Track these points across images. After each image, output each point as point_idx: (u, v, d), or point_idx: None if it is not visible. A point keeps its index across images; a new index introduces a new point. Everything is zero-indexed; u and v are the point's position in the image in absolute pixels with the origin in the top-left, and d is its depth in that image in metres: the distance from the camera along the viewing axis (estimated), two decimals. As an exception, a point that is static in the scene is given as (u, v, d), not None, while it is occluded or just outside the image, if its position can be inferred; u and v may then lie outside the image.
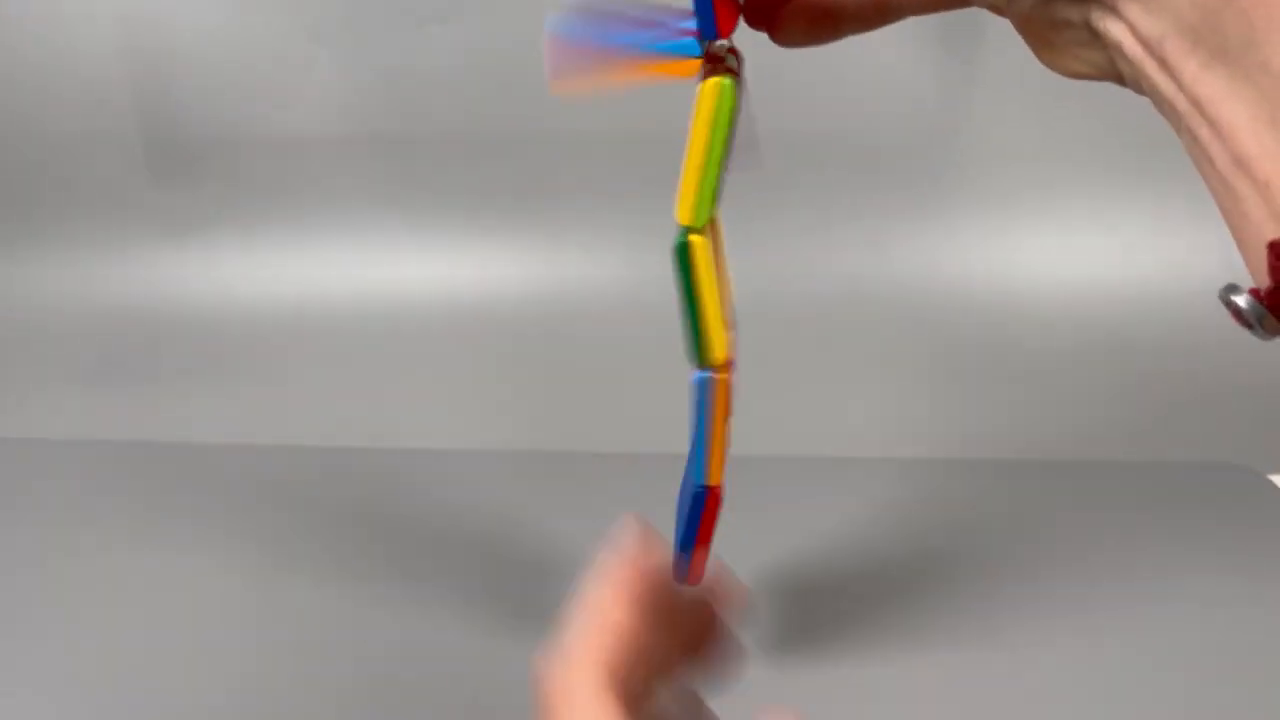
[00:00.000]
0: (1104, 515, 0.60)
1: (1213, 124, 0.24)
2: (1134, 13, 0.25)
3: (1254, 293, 0.24)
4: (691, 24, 0.32)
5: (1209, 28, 0.23)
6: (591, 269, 0.90)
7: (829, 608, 0.53)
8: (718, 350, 0.37)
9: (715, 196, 0.34)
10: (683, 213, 0.34)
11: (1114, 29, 0.26)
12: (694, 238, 0.35)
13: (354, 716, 0.46)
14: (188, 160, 0.92)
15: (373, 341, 0.86)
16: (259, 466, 0.66)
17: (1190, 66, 0.24)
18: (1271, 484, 0.63)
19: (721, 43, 0.33)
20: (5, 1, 0.88)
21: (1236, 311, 0.24)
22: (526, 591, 0.54)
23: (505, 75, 0.89)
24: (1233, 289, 0.24)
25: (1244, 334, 0.25)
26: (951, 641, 0.50)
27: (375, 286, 0.90)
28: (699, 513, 0.43)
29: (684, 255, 0.35)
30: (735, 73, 0.33)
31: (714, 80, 0.32)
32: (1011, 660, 0.49)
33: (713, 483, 0.42)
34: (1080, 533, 0.59)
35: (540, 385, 0.81)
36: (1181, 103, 0.25)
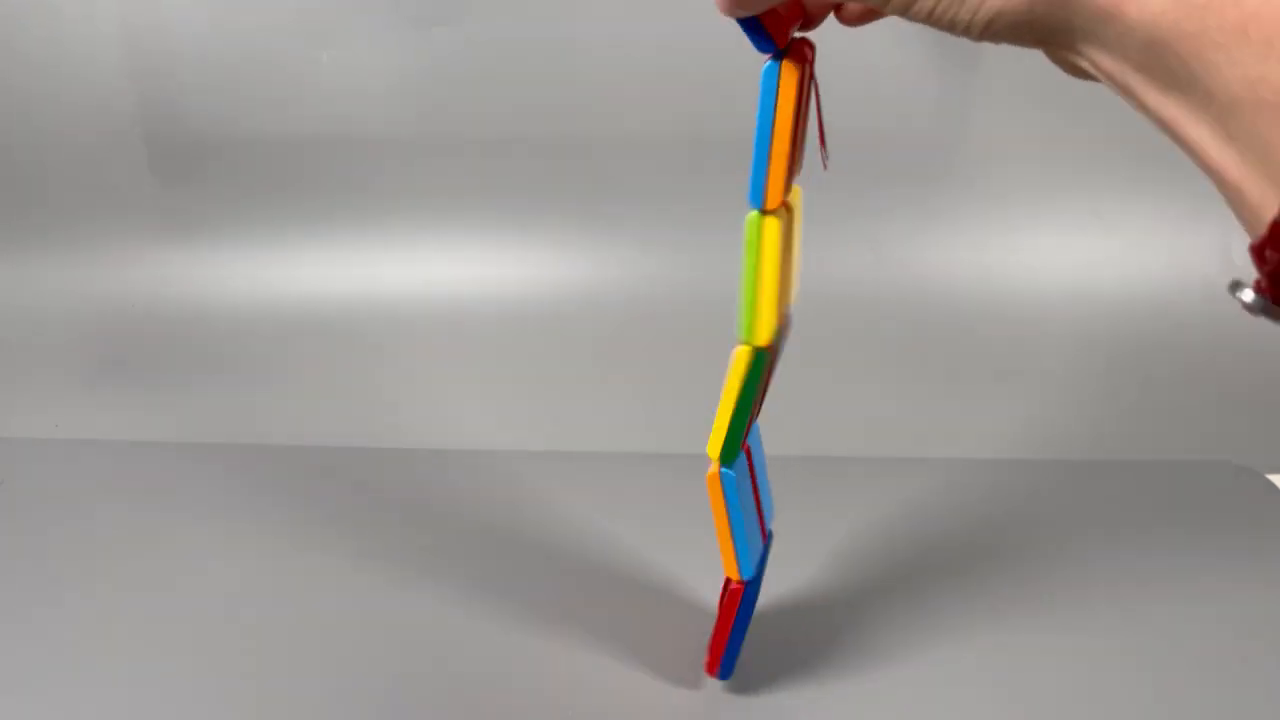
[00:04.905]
0: (1104, 514, 0.61)
1: (1182, 141, 0.26)
2: (1094, 54, 0.27)
3: (1256, 286, 0.26)
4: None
5: (1157, 67, 0.26)
6: (594, 269, 0.90)
7: (826, 606, 0.53)
8: None
9: (740, 441, 0.40)
10: (712, 450, 0.40)
11: (1084, 64, 0.28)
12: (716, 470, 0.40)
13: (354, 712, 0.46)
14: (190, 160, 0.92)
15: (373, 341, 0.86)
16: (259, 466, 0.66)
17: (1151, 95, 0.26)
18: (1271, 484, 0.63)
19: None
20: (6, 3, 0.88)
21: (1244, 304, 0.26)
22: (529, 589, 0.54)
23: (506, 76, 0.89)
24: (1238, 285, 0.26)
25: (1244, 334, 0.26)
26: (948, 641, 0.50)
27: (376, 286, 0.90)
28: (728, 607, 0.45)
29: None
30: (774, 350, 0.40)
31: (743, 349, 0.38)
32: (1009, 659, 0.49)
33: (727, 574, 0.44)
34: (1080, 532, 0.59)
35: (541, 385, 0.81)
36: (1155, 121, 0.27)
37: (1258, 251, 0.25)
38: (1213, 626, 0.52)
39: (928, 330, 0.86)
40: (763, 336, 0.38)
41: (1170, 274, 0.88)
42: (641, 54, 0.86)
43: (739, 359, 0.38)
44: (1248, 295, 0.25)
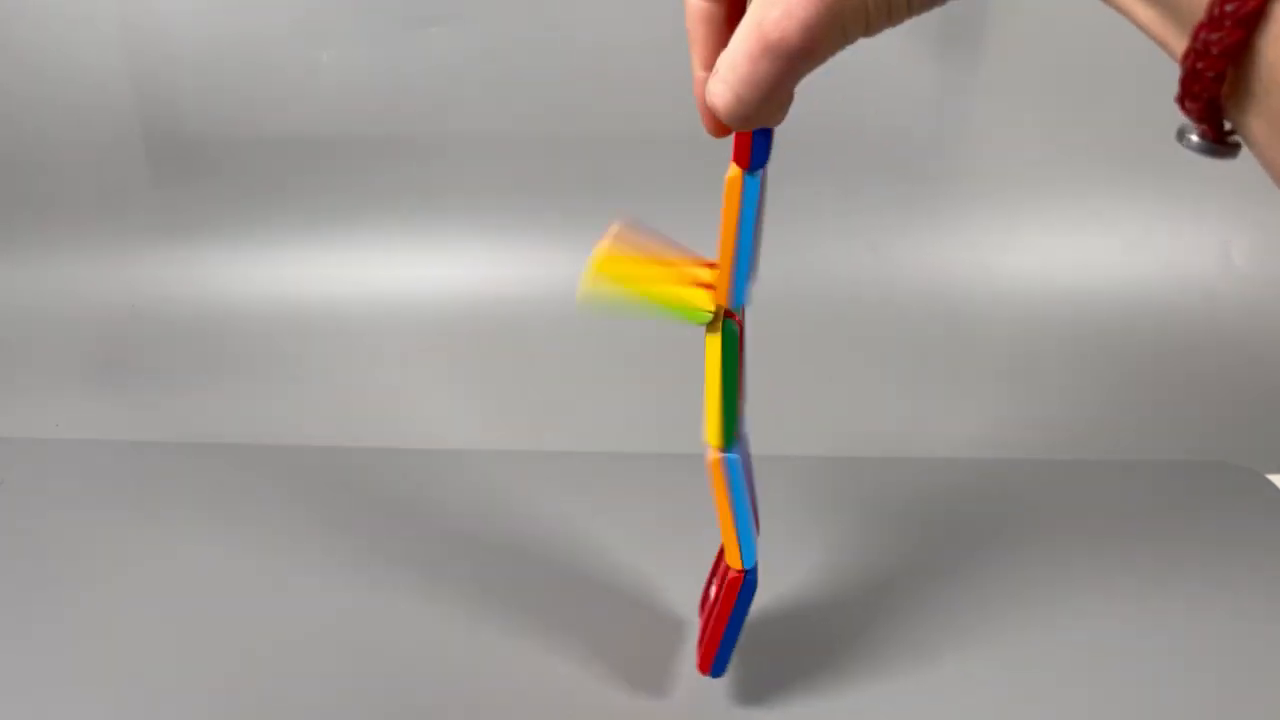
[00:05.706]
0: (1103, 515, 0.61)
1: (1119, 8, 0.27)
2: None
3: (1201, 132, 0.27)
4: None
5: None
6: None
7: (823, 608, 0.53)
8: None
9: (736, 424, 0.40)
10: (711, 437, 0.40)
11: None
12: (717, 456, 0.40)
13: (352, 711, 0.46)
14: (189, 161, 0.92)
15: (373, 341, 0.86)
16: (259, 466, 0.66)
17: None
18: (1271, 484, 0.63)
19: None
20: (6, 3, 0.88)
21: (1193, 148, 0.27)
22: (519, 592, 0.54)
23: (505, 76, 0.89)
24: (1183, 132, 0.27)
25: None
26: (946, 642, 0.50)
27: (376, 286, 0.91)
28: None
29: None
30: (739, 321, 0.39)
31: (711, 335, 0.38)
32: (1007, 661, 0.49)
33: (728, 563, 0.43)
34: (1078, 532, 0.59)
35: (540, 385, 0.81)
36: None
37: (1180, 103, 0.26)
38: (1212, 627, 0.52)
39: (927, 330, 0.86)
40: (719, 298, 0.38)
41: (1170, 274, 0.88)
42: (642, 54, 0.86)
43: (710, 343, 0.39)
44: (1194, 140, 0.27)
